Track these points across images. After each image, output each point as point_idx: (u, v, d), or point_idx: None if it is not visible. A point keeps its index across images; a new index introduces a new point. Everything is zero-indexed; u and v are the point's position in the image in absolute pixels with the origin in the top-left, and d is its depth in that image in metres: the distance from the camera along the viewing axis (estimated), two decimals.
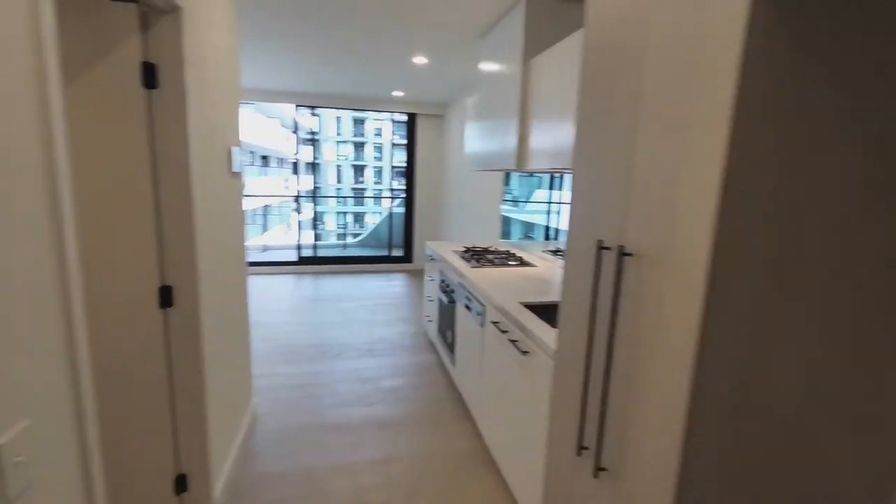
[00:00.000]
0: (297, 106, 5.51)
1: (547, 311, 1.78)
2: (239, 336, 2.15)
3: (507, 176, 3.95)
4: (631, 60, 1.02)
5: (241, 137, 2.20)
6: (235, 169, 2.07)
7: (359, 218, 25.64)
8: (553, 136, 1.96)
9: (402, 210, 6.21)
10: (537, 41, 2.26)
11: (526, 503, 1.66)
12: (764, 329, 0.85)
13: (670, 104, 0.90)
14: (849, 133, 0.80)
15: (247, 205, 3.02)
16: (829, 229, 0.83)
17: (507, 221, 3.99)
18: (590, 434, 1.18)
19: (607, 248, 1.09)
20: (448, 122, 5.76)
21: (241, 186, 2.30)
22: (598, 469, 1.13)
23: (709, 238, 0.80)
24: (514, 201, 3.99)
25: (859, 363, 0.90)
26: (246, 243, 2.39)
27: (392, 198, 6.45)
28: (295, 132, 6.44)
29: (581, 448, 1.21)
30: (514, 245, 3.56)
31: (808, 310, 0.86)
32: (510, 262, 2.80)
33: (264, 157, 24.27)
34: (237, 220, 2.15)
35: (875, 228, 0.85)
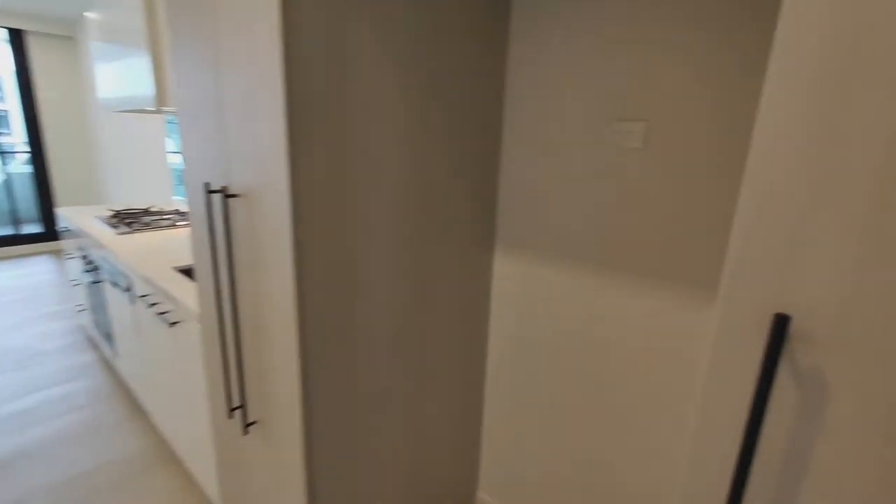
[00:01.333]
0: None
1: None
2: None
3: None
4: None
5: None
6: None
7: None
8: None
9: (29, 170, 4.48)
10: None
11: (210, 488, 1.51)
12: (351, 248, 0.92)
13: (240, 36, 0.81)
14: (390, 64, 0.90)
15: None
16: (379, 149, 0.95)
17: None
18: (239, 393, 1.11)
19: (216, 192, 0.98)
20: (84, 47, 4.34)
21: None
22: (248, 424, 1.08)
23: (287, 171, 0.78)
24: None
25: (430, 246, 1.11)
26: None
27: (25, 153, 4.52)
28: None
29: (232, 409, 1.13)
30: None
31: (380, 220, 0.98)
32: (178, 223, 2.38)
33: None
34: None
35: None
